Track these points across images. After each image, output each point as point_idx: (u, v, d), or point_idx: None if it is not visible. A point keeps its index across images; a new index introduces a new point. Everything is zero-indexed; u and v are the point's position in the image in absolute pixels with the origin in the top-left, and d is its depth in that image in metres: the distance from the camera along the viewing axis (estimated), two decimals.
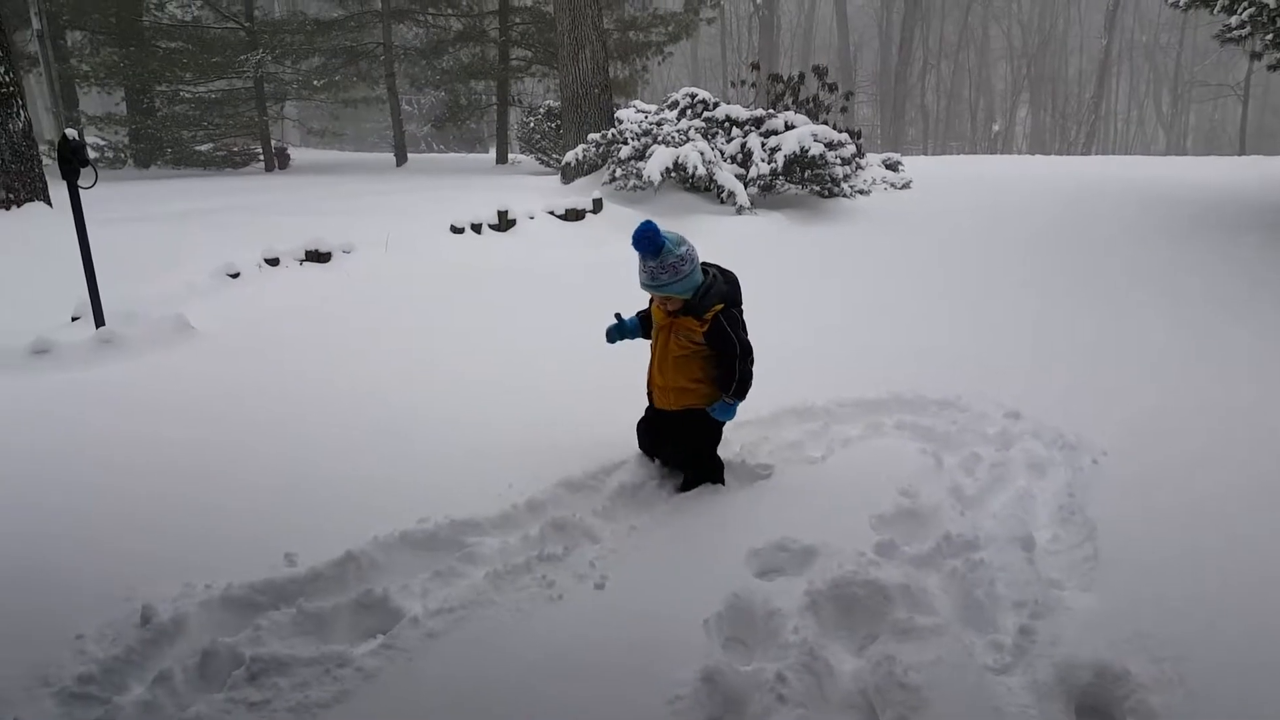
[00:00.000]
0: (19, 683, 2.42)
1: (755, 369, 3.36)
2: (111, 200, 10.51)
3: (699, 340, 3.25)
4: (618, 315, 3.64)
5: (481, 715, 2.31)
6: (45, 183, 8.65)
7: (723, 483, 3.56)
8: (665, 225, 3.24)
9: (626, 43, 23.55)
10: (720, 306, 3.21)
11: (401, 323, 6.25)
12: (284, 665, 2.43)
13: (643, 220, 3.17)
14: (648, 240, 3.08)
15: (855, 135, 12.28)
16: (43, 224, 7.95)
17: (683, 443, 3.52)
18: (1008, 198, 13.36)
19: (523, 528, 3.22)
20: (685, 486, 3.54)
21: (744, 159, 11.31)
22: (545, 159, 20.16)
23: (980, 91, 54.42)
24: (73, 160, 5.35)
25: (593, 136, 11.79)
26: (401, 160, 24.05)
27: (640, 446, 3.70)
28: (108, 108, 24.86)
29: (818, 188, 11.53)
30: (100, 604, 2.74)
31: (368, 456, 3.85)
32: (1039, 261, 8.84)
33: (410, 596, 2.78)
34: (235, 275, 7.06)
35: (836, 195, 11.68)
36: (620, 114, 12.07)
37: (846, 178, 11.53)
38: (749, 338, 3.30)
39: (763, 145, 11.20)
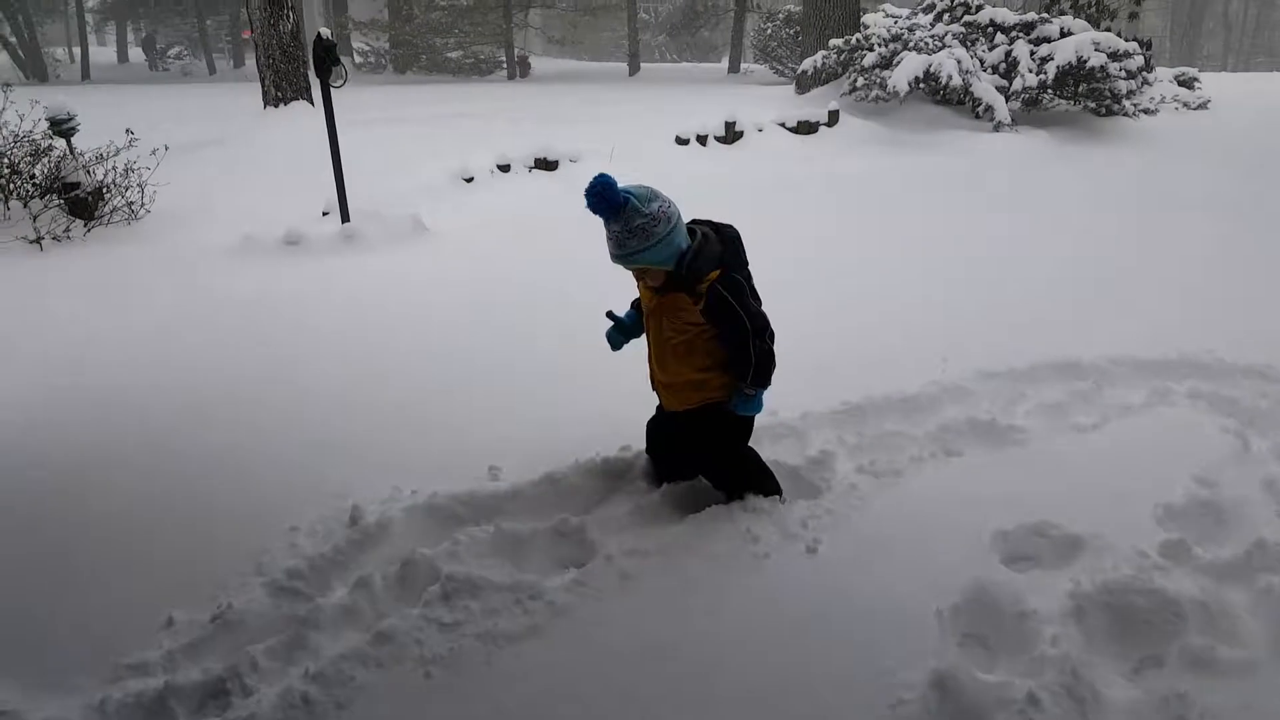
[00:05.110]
0: (234, 569, 2.53)
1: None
2: (370, 103, 11.22)
3: (697, 320, 2.48)
4: (610, 314, 2.83)
5: (667, 673, 2.10)
6: (309, 83, 9.29)
7: (778, 493, 2.77)
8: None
9: None
10: (716, 274, 2.44)
11: None
12: (477, 588, 2.37)
13: (600, 179, 2.40)
14: (600, 198, 2.37)
15: (1144, 45, 10.67)
16: (304, 122, 8.60)
17: (707, 450, 2.76)
18: None
19: None
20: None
21: (1007, 69, 10.17)
22: (780, 68, 19.57)
23: None
24: (325, 59, 5.53)
25: (834, 42, 11.02)
26: (634, 70, 24.13)
27: (649, 451, 2.99)
28: (372, 14, 26.60)
29: (1094, 104, 10.22)
30: (315, 498, 2.84)
31: (577, 375, 3.68)
32: None
33: (606, 531, 2.64)
34: (469, 179, 7.35)
35: (1116, 114, 10.33)
36: (867, 19, 11.15)
37: (1130, 94, 10.12)
38: (760, 305, 2.53)
39: (1031, 54, 10.04)
